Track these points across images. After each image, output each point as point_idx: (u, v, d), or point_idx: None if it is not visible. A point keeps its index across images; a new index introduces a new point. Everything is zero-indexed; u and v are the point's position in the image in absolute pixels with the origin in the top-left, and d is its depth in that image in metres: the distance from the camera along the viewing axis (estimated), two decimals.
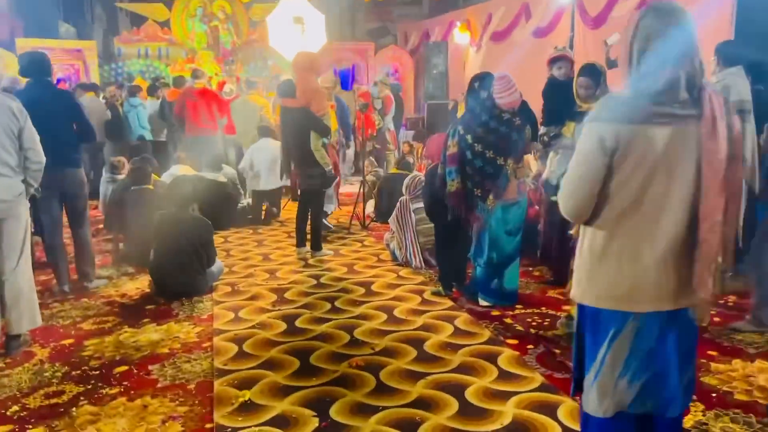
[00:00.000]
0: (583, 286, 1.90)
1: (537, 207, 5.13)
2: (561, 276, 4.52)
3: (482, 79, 3.99)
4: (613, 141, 1.74)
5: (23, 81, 4.97)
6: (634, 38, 1.76)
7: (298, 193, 6.05)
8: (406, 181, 5.46)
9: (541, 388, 2.99)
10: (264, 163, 7.16)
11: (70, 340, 3.74)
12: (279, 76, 10.41)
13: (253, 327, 3.88)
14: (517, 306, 4.16)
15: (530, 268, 4.98)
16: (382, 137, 9.85)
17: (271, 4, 14.24)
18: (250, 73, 11.93)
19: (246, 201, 7.33)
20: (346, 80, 9.64)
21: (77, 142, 4.62)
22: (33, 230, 5.22)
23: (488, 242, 4.07)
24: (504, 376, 3.13)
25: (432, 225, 4.83)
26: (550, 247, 4.71)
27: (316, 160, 5.30)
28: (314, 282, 4.84)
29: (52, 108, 4.37)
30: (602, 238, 1.84)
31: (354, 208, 6.98)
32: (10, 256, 3.45)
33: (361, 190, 7.15)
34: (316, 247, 5.63)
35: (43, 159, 3.62)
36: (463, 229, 4.17)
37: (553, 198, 4.41)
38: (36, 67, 4.47)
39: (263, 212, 7.29)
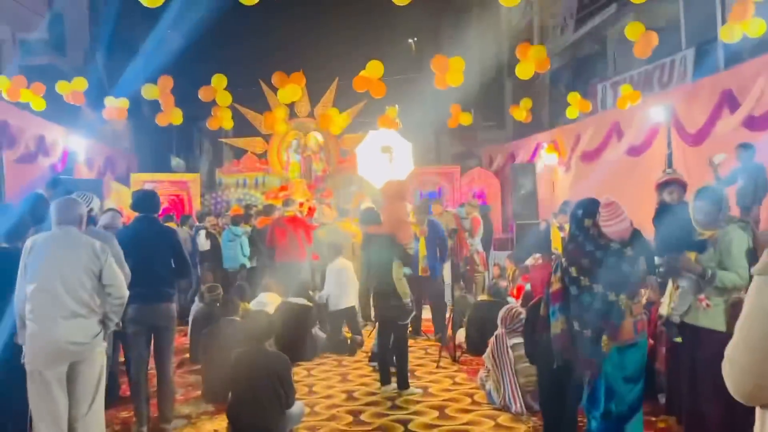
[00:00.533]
0: None
1: (652, 341, 4.50)
2: (696, 429, 3.81)
3: (586, 206, 3.64)
4: None
5: (120, 218, 5.23)
6: None
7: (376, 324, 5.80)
8: (501, 313, 5.03)
9: None
10: (335, 283, 7.07)
11: None
12: (362, 203, 10.62)
13: None
14: None
15: (652, 418, 4.26)
16: (470, 260, 9.53)
17: (361, 134, 14.99)
18: (340, 201, 12.25)
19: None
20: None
21: (173, 278, 4.67)
22: (121, 366, 5.23)
23: (604, 391, 3.50)
24: None
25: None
26: (676, 393, 4.04)
27: (396, 290, 5.09)
28: (402, 429, 4.37)
29: (154, 243, 4.49)
30: None
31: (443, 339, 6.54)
32: (82, 401, 3.33)
33: (451, 316, 6.75)
34: (403, 385, 5.20)
35: (125, 294, 3.59)
36: (572, 373, 3.63)
37: (677, 339, 3.83)
38: (146, 204, 4.68)
39: (348, 340, 7.02)
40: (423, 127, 16.38)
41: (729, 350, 1.46)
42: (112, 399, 4.79)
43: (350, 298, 7.00)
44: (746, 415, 3.76)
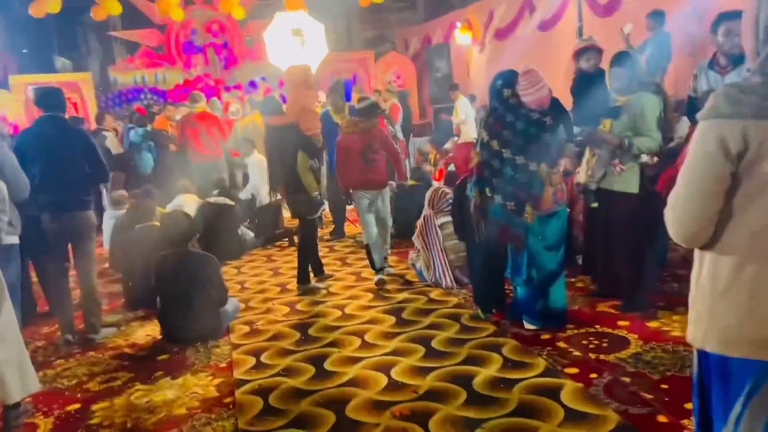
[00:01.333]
0: (704, 328, 1.50)
1: (568, 209, 4.71)
2: (607, 287, 4.12)
3: (505, 76, 3.58)
4: (739, 141, 1.34)
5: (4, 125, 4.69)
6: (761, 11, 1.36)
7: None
8: (428, 194, 5.06)
9: (620, 430, 2.57)
10: (260, 178, 6.89)
11: (76, 405, 3.35)
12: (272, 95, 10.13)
13: (278, 374, 3.48)
14: (568, 327, 3.73)
15: (571, 279, 4.55)
16: None
17: (267, 20, 13.98)
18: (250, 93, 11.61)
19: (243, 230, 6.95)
20: (347, 92, 9.28)
21: (88, 183, 4.28)
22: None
23: (526, 259, 3.64)
24: (573, 416, 2.71)
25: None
26: (592, 255, 4.30)
27: (303, 184, 4.90)
28: (339, 313, 4.44)
29: (64, 146, 4.06)
30: (729, 265, 1.43)
31: None
32: None
33: None
34: (318, 272, 5.24)
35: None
36: (497, 245, 3.74)
37: (594, 205, 3.99)
38: (50, 100, 4.16)
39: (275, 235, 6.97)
40: (332, 9, 15.48)
41: (671, 197, 1.48)
42: (30, 316, 4.52)
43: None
44: (656, 272, 4.09)
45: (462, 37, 13.29)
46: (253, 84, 13.02)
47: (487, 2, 12.94)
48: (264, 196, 7.40)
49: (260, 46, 13.63)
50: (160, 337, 4.25)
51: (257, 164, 7.49)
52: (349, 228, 7.17)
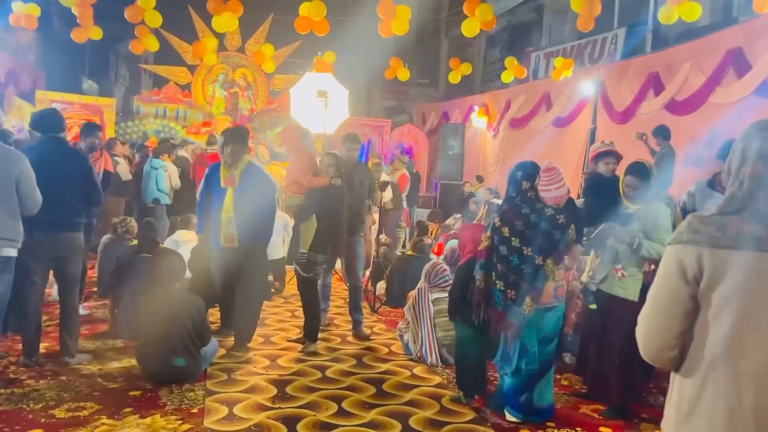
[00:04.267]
0: None
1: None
2: (596, 390, 4.06)
3: (526, 168, 3.68)
4: (695, 266, 1.43)
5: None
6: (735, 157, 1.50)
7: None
8: (426, 268, 5.08)
9: None
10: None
11: (38, 431, 3.25)
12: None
13: (249, 429, 3.39)
14: (549, 424, 3.66)
15: (557, 376, 4.50)
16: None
17: (293, 76, 14.46)
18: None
19: None
20: (360, 154, 9.47)
21: (82, 205, 4.29)
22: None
23: (518, 350, 3.62)
24: None
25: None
26: (585, 356, 4.27)
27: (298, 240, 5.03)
28: (319, 375, 4.37)
29: (61, 166, 4.12)
30: (690, 390, 1.48)
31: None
32: None
33: (371, 268, 6.77)
34: (309, 337, 5.07)
35: None
36: (488, 329, 3.73)
37: (592, 306, 4.01)
38: (47, 122, 4.24)
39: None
40: (356, 76, 16.03)
41: (641, 314, 1.55)
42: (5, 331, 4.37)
43: (279, 249, 6.74)
44: (644, 383, 4.04)
45: (478, 120, 13.71)
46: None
47: (507, 91, 13.44)
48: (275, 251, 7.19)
49: (282, 99, 14.09)
50: (135, 370, 4.17)
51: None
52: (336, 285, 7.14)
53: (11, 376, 3.94)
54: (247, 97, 14.51)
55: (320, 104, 7.03)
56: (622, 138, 7.68)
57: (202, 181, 5.00)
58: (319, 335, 5.24)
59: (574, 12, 8.84)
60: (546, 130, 10.93)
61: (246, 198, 4.66)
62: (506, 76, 12.20)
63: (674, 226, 3.70)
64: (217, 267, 4.86)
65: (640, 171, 3.75)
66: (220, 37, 13.42)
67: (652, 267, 3.77)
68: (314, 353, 4.85)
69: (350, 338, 5.33)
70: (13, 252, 3.71)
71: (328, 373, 4.41)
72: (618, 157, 4.10)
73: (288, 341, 5.09)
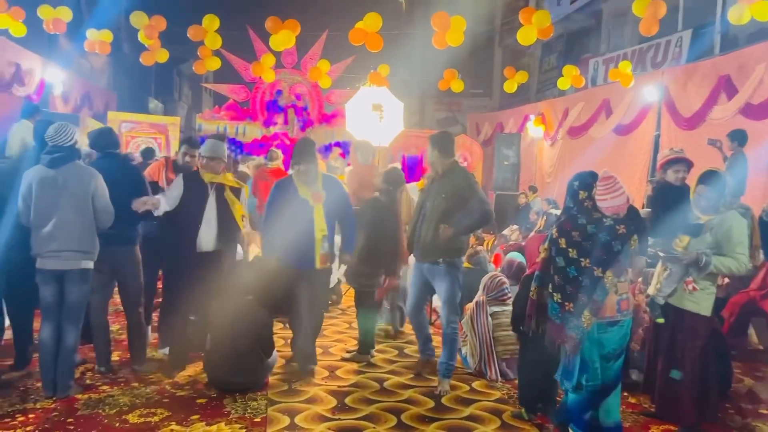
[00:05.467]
0: None
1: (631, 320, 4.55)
2: (665, 410, 3.90)
3: (583, 178, 3.59)
4: None
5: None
6: None
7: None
8: (484, 280, 5.03)
9: None
10: None
11: None
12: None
13: None
14: None
15: (624, 394, 4.34)
16: None
17: (348, 90, 14.69)
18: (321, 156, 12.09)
19: None
20: (413, 168, 9.50)
21: (137, 219, 4.39)
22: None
23: (578, 365, 3.52)
24: None
25: (511, 332, 4.36)
26: (653, 373, 4.10)
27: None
28: (377, 387, 4.39)
29: (117, 182, 4.22)
30: None
31: None
32: None
33: None
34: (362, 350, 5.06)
35: None
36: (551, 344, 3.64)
37: (660, 320, 3.85)
38: (104, 141, 4.47)
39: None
40: (409, 88, 16.12)
41: None
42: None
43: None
44: (719, 402, 3.85)
45: (534, 129, 13.50)
46: (327, 148, 13.55)
47: (564, 99, 13.18)
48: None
49: (337, 113, 14.34)
50: (201, 378, 4.31)
51: None
52: None
53: (88, 382, 4.15)
54: (303, 112, 14.84)
55: (375, 118, 7.10)
56: (690, 144, 7.40)
57: (269, 201, 4.57)
58: (378, 347, 5.28)
59: (635, 16, 8.60)
60: (606, 137, 10.63)
61: (331, 213, 4.48)
62: (563, 83, 11.98)
63: (751, 239, 3.52)
64: (295, 288, 4.48)
65: (713, 180, 3.59)
66: (276, 54, 13.80)
67: (726, 280, 3.61)
68: (371, 365, 4.87)
69: (407, 351, 5.32)
70: (90, 264, 3.93)
71: (386, 385, 4.43)
72: (688, 165, 3.93)
73: (343, 359, 5.03)
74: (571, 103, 12.51)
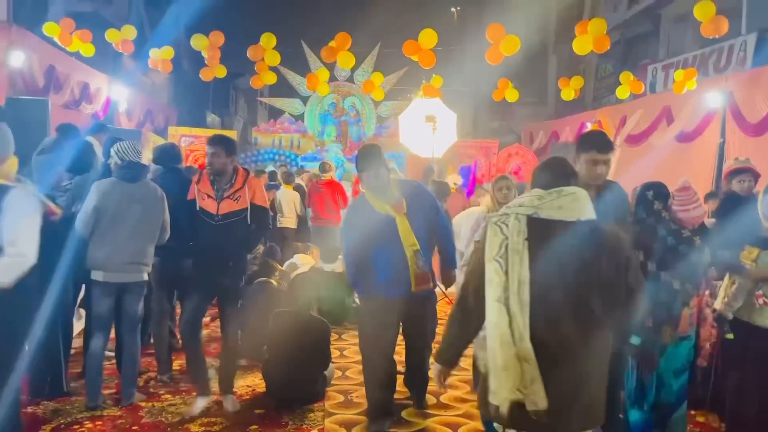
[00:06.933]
0: None
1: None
2: (736, 429, 3.68)
3: (657, 188, 3.46)
4: None
5: None
6: None
7: None
8: None
9: None
10: None
11: None
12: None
13: None
14: None
15: (691, 412, 4.14)
16: None
17: (400, 102, 14.79)
18: None
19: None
20: (467, 177, 9.43)
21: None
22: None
23: (654, 382, 3.37)
24: None
25: None
26: (722, 390, 3.90)
27: None
28: (434, 401, 4.33)
29: (178, 195, 4.30)
30: None
31: None
32: None
33: None
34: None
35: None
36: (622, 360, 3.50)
37: (729, 336, 3.66)
38: (168, 156, 4.67)
39: None
40: (462, 98, 16.06)
41: None
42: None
43: None
44: None
45: None
46: None
47: (621, 107, 12.82)
48: None
49: (389, 125, 14.43)
50: (258, 389, 4.38)
51: None
52: None
53: (151, 390, 4.28)
54: (356, 124, 15.01)
55: (428, 128, 7.11)
56: (757, 153, 7.04)
57: (344, 230, 3.87)
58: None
59: (696, 20, 8.30)
60: (667, 145, 10.25)
61: (421, 223, 3.65)
62: (621, 92, 11.64)
63: None
64: (387, 319, 3.68)
65: None
66: (329, 67, 14.04)
67: None
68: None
69: (464, 364, 5.24)
70: (146, 276, 4.06)
71: (444, 399, 4.37)
72: (755, 175, 3.75)
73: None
74: (629, 111, 12.14)
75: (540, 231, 2.18)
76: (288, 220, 8.64)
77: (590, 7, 18.14)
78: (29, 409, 3.84)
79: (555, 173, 2.34)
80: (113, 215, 3.90)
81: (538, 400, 2.09)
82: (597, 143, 3.07)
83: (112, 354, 4.36)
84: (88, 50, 9.87)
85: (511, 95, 12.74)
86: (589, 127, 13.37)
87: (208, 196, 3.86)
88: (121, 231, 3.89)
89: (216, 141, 3.89)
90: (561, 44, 18.83)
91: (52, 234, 3.83)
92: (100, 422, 3.74)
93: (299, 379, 4.09)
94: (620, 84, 11.84)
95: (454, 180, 8.17)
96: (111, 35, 10.12)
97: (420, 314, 3.78)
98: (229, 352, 4.08)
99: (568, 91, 12.60)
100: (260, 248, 6.60)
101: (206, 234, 3.85)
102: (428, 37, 9.00)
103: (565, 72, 15.74)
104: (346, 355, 5.43)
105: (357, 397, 4.35)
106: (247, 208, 3.86)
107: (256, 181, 4.06)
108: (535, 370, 2.09)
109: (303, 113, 15.12)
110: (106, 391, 4.10)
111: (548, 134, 15.34)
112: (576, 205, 2.22)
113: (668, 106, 10.55)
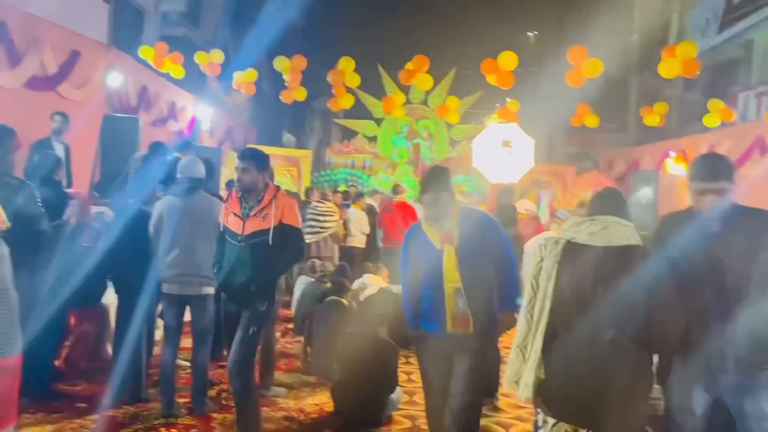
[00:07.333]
0: None
1: None
2: None
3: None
4: None
5: None
6: None
7: None
8: None
9: None
10: None
11: None
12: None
13: None
14: None
15: None
16: None
17: (473, 126, 14.71)
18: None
19: None
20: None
21: None
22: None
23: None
24: None
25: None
26: None
27: None
28: (503, 431, 4.19)
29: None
30: None
31: None
32: None
33: None
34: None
35: None
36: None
37: None
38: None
39: None
40: (542, 124, 15.77)
41: None
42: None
43: None
44: None
45: (675, 167, 12.59)
46: None
47: (708, 136, 12.19)
48: None
49: (462, 149, 14.35)
50: (326, 407, 4.37)
51: None
52: None
53: (223, 402, 4.37)
54: (428, 147, 15.03)
55: (504, 153, 7.00)
56: None
57: (402, 255, 3.44)
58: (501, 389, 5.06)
59: None
60: (762, 176, 9.63)
61: (475, 259, 3.19)
62: (710, 120, 11.07)
63: None
64: (433, 366, 3.29)
65: None
66: (404, 90, 14.18)
67: None
68: (496, 408, 4.68)
69: None
70: (211, 290, 4.11)
71: (513, 430, 4.22)
72: None
73: None
74: (716, 140, 11.51)
75: (573, 254, 2.53)
76: (355, 239, 8.73)
77: (676, 32, 17.48)
78: (111, 413, 4.00)
79: (603, 203, 2.65)
80: (169, 230, 4.01)
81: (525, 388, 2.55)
82: (700, 170, 2.74)
83: (188, 364, 4.49)
84: (178, 72, 10.43)
85: (591, 121, 12.39)
86: (672, 156, 12.79)
87: (235, 215, 3.57)
88: (176, 245, 4.00)
89: (247, 155, 3.58)
90: (643, 69, 18.19)
91: (143, 247, 4.03)
92: (174, 429, 3.84)
93: (367, 400, 4.06)
94: (708, 112, 11.26)
95: (525, 206, 7.98)
96: (200, 57, 10.67)
97: (464, 361, 3.17)
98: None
99: (652, 117, 12.12)
100: (329, 266, 6.67)
101: (230, 255, 3.56)
102: (508, 59, 8.93)
103: (647, 98, 15.16)
104: (414, 379, 5.34)
105: (424, 423, 4.25)
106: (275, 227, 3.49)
107: (287, 198, 3.63)
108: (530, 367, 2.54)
109: (376, 135, 15.31)
110: (181, 400, 4.22)
111: (628, 162, 14.79)
112: (605, 233, 2.52)
113: (762, 136, 9.94)
